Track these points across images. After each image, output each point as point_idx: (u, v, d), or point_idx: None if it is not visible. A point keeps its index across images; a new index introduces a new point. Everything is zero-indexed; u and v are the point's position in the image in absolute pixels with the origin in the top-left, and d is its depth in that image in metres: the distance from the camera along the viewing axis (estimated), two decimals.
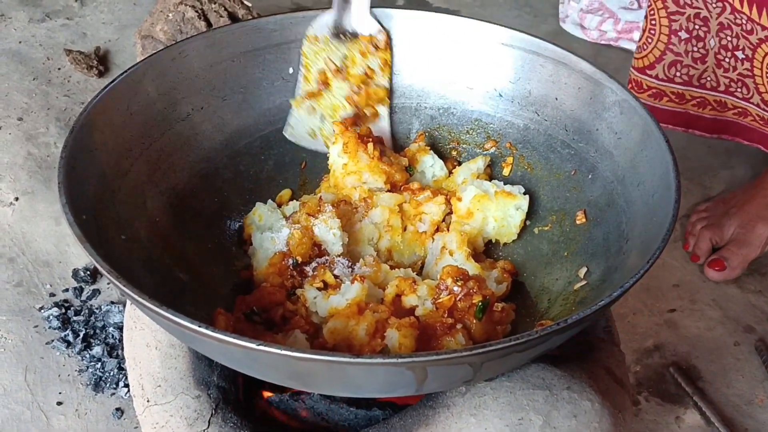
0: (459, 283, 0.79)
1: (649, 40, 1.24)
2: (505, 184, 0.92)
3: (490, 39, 0.94)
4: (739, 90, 1.21)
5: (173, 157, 0.87)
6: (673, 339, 1.21)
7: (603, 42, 1.66)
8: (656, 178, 0.78)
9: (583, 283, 0.82)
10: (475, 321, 0.78)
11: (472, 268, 0.85)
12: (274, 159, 0.94)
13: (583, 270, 0.84)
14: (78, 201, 0.73)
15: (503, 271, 0.88)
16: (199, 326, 0.63)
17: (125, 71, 0.84)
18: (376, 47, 0.89)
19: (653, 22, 1.22)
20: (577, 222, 0.88)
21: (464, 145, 0.98)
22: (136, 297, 0.65)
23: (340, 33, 0.87)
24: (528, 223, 0.92)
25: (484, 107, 0.96)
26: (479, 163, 0.94)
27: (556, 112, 0.92)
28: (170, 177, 0.87)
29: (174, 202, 0.86)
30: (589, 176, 0.88)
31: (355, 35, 0.88)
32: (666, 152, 0.78)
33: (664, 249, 0.69)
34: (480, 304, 0.78)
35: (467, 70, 0.95)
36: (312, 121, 0.92)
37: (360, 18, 0.88)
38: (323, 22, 0.89)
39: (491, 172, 0.96)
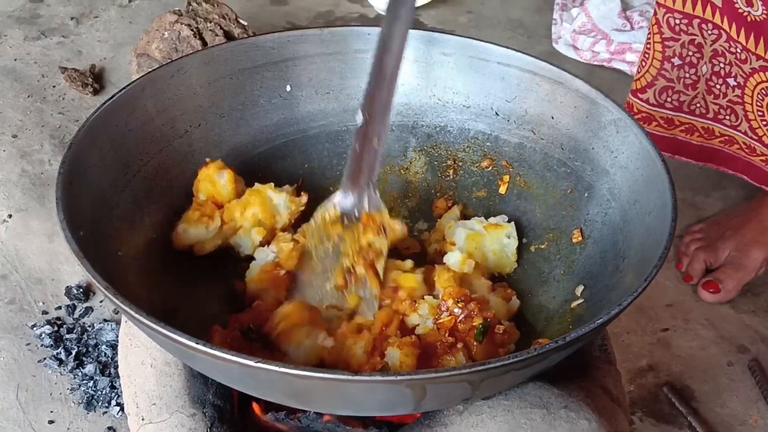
0: (460, 305, 0.79)
1: (644, 64, 1.25)
2: (487, 217, 0.93)
3: (486, 58, 0.94)
4: (727, 117, 1.22)
5: (171, 173, 0.88)
6: (666, 359, 1.21)
7: (596, 63, 1.67)
8: (652, 197, 0.78)
9: (580, 301, 0.82)
10: (475, 343, 0.78)
11: (481, 285, 0.85)
12: (270, 176, 0.94)
13: (580, 288, 0.84)
14: (75, 217, 0.72)
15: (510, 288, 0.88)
16: (197, 343, 0.63)
17: (124, 87, 0.84)
18: (373, 222, 0.88)
19: (648, 46, 1.23)
20: (574, 240, 0.88)
21: (461, 163, 0.98)
22: (133, 313, 0.65)
23: (345, 217, 0.86)
24: (524, 241, 0.93)
25: (480, 125, 0.96)
26: (455, 212, 0.94)
27: (552, 130, 0.92)
28: (168, 193, 0.87)
29: (171, 219, 0.86)
30: (586, 195, 0.88)
31: (359, 220, 0.86)
32: (662, 171, 0.78)
33: (661, 267, 0.69)
34: (480, 326, 0.78)
35: (464, 88, 0.96)
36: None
37: (367, 200, 0.86)
38: (331, 206, 0.87)
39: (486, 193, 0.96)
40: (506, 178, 0.96)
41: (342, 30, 0.96)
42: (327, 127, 0.97)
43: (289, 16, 1.79)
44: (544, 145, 0.93)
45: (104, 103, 0.82)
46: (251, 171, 0.93)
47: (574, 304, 0.82)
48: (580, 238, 0.88)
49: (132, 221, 0.82)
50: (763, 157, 1.21)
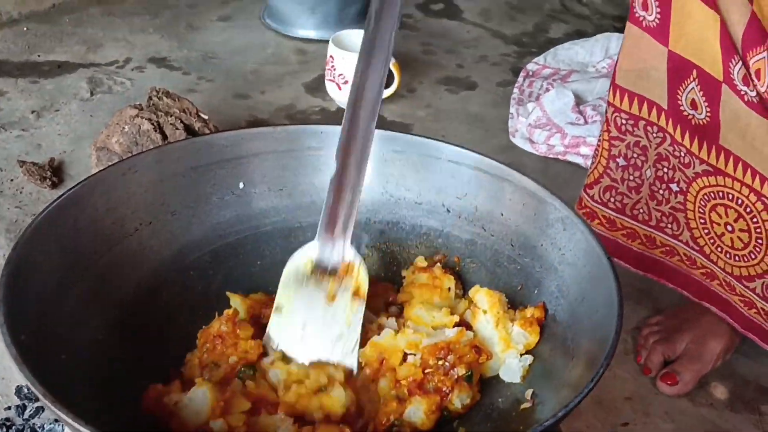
0: (440, 362, 0.81)
1: (594, 160, 1.27)
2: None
3: (437, 156, 0.96)
4: (669, 226, 1.22)
5: (120, 273, 0.87)
6: None
7: (551, 156, 1.70)
8: (599, 295, 0.79)
9: (530, 403, 0.82)
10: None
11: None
12: (223, 273, 0.94)
13: (530, 391, 0.83)
14: (17, 320, 0.71)
15: (530, 321, 0.88)
16: None
17: (72, 187, 0.84)
18: (348, 272, 0.89)
19: (599, 143, 1.25)
20: None
21: (413, 259, 0.99)
22: (72, 423, 0.63)
23: (320, 270, 0.87)
24: None
25: (432, 222, 0.97)
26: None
27: (502, 227, 0.93)
28: (115, 293, 0.86)
29: (119, 319, 0.85)
30: (535, 291, 0.89)
31: (334, 271, 0.87)
32: (608, 270, 0.79)
33: (607, 368, 0.69)
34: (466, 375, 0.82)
35: (416, 185, 0.97)
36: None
37: (342, 251, 0.87)
38: (305, 256, 0.88)
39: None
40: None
41: (295, 128, 0.98)
42: (280, 223, 0.98)
43: (251, 109, 1.81)
44: (494, 242, 0.94)
45: (52, 204, 0.82)
46: (202, 268, 0.93)
47: (524, 405, 0.82)
48: None
49: (78, 322, 0.81)
50: (703, 270, 1.21)
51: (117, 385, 0.82)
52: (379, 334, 0.86)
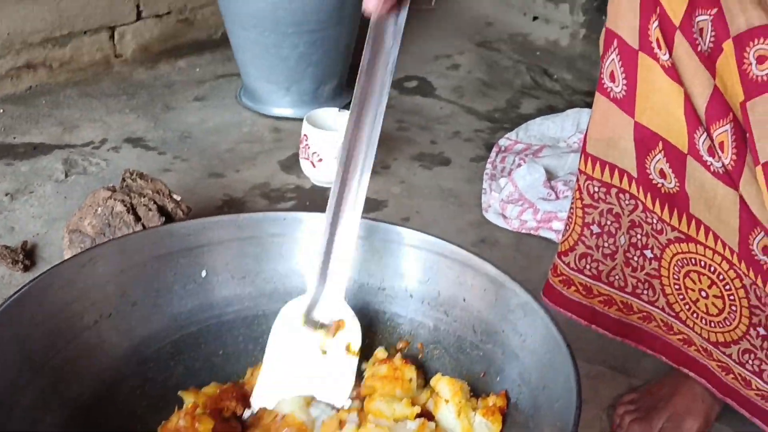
0: None
1: (567, 228, 1.27)
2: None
3: (399, 241, 0.96)
4: (645, 292, 1.22)
5: (78, 368, 0.86)
6: None
7: (524, 231, 1.71)
8: (559, 382, 0.79)
9: None
10: None
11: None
12: (183, 365, 0.93)
13: None
14: None
15: (492, 410, 0.86)
16: None
17: (29, 282, 0.84)
18: (340, 327, 0.89)
19: (572, 210, 1.26)
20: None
21: (378, 345, 0.98)
22: None
23: (311, 323, 0.87)
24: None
25: (396, 308, 0.97)
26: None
27: (464, 313, 0.93)
28: (73, 390, 0.85)
29: (76, 415, 0.84)
30: (497, 378, 0.89)
31: (326, 325, 0.88)
32: (567, 357, 0.79)
33: None
34: None
35: (379, 271, 0.98)
36: None
37: (335, 305, 0.88)
38: (296, 309, 0.88)
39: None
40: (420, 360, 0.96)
41: (258, 215, 0.98)
42: (242, 312, 0.98)
43: (226, 188, 1.82)
44: (457, 328, 0.94)
45: (9, 298, 0.81)
46: (163, 360, 0.92)
47: None
48: None
49: (33, 421, 0.79)
50: (680, 336, 1.21)
51: None
52: (340, 430, 0.85)
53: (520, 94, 2.15)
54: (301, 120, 1.82)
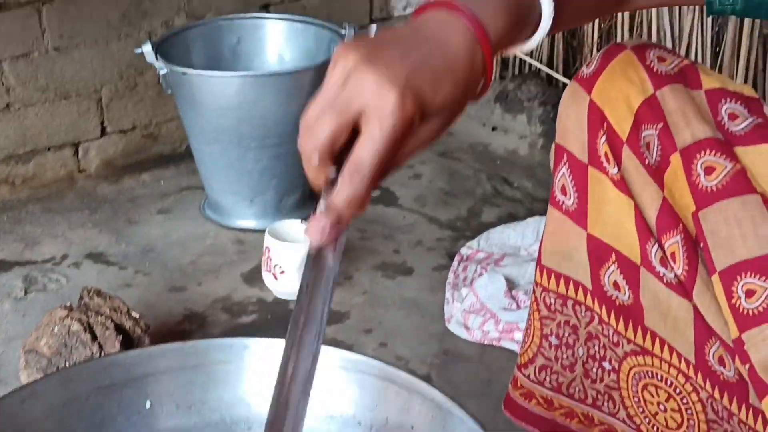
0: None
1: (526, 340, 1.27)
2: None
3: (345, 366, 0.96)
4: (605, 404, 1.22)
5: None
6: None
7: (486, 342, 1.71)
8: None
9: None
10: None
11: None
12: None
13: None
14: None
15: None
16: None
17: None
18: None
19: (529, 322, 1.26)
20: None
21: None
22: None
23: None
24: None
25: None
26: None
27: None
28: None
29: None
30: None
31: None
32: None
33: None
34: None
35: (325, 398, 0.96)
36: None
37: None
38: None
39: None
40: None
41: (203, 342, 0.99)
42: None
43: (187, 302, 1.82)
44: None
45: None
46: None
47: None
48: None
49: None
50: None
51: None
52: None
53: (481, 203, 2.18)
54: (264, 231, 1.83)
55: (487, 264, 1.91)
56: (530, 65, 2.43)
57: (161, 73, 1.98)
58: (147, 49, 1.96)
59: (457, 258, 1.95)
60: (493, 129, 2.40)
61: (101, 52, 2.18)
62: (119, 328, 1.57)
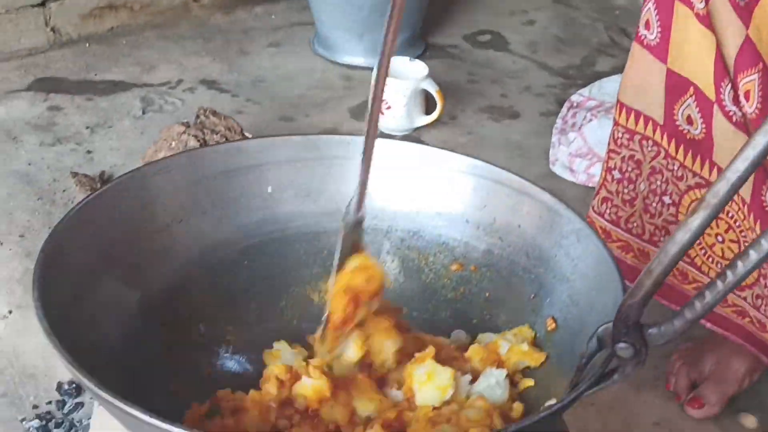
0: None
1: (600, 174, 1.30)
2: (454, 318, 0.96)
3: (457, 168, 0.99)
4: (661, 240, 1.23)
5: (149, 265, 0.91)
6: None
7: (591, 185, 1.71)
8: (608, 304, 0.81)
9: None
10: None
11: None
12: (248, 272, 0.98)
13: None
14: (50, 299, 0.76)
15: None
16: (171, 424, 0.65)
17: (113, 181, 0.89)
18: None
19: (605, 158, 1.28)
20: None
21: (431, 266, 1.01)
22: (101, 393, 0.67)
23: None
24: None
25: (451, 232, 1.00)
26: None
27: (518, 239, 0.96)
28: (145, 284, 0.90)
29: (146, 308, 0.90)
30: (547, 300, 0.91)
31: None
32: (616, 278, 0.81)
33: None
34: None
35: (436, 196, 1.00)
36: None
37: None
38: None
39: None
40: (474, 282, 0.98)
41: (324, 137, 1.02)
42: (305, 227, 1.01)
43: (295, 131, 1.86)
44: (510, 252, 0.96)
45: (91, 194, 0.87)
46: (229, 266, 0.97)
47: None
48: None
49: (107, 307, 0.85)
50: (695, 285, 1.22)
51: (146, 370, 0.86)
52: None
53: (596, 52, 2.14)
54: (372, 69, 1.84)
55: (598, 111, 1.89)
56: None
57: None
58: None
59: (566, 104, 1.93)
60: None
61: None
62: None
